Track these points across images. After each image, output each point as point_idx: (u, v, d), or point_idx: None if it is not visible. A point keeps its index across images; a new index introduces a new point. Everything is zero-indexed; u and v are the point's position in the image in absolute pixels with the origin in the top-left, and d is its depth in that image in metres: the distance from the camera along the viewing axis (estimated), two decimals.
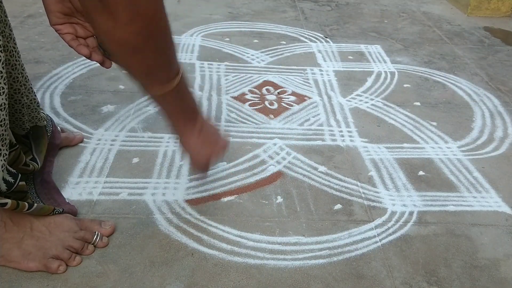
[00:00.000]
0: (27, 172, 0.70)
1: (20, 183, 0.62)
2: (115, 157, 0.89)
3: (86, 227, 0.70)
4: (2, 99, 0.58)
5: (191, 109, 0.64)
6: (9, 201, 0.60)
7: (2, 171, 0.59)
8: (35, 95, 0.76)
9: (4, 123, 0.58)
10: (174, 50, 0.56)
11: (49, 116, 0.86)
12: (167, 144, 0.94)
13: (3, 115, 0.58)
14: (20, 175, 0.63)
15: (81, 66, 1.20)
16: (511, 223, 0.79)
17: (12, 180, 0.61)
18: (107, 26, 0.47)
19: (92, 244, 0.69)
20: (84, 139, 0.93)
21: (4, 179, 0.59)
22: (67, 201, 0.76)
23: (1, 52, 0.57)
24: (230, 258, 0.69)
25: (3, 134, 0.58)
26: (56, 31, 0.70)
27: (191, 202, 0.79)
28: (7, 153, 0.61)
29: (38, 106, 0.77)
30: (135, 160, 0.89)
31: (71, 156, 0.88)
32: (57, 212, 0.68)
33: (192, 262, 0.68)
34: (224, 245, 0.71)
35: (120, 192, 0.80)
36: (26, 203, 0.63)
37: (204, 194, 0.81)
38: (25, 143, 0.75)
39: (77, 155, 0.89)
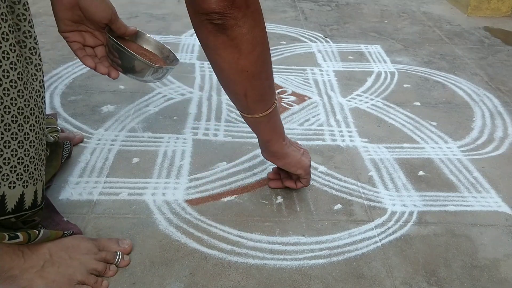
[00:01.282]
0: None
1: (40, 210, 0.60)
2: (115, 157, 0.89)
3: (105, 247, 0.67)
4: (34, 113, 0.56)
5: (281, 124, 0.73)
6: (19, 234, 0.57)
7: (41, 180, 0.58)
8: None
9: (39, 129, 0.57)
10: (273, 76, 0.66)
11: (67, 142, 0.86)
12: (167, 144, 0.94)
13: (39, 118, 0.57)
14: (45, 200, 0.61)
15: (81, 66, 1.20)
16: (511, 223, 0.79)
17: (40, 201, 0.59)
18: (233, 58, 0.58)
19: (114, 264, 0.66)
20: (84, 139, 0.93)
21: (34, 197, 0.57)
22: (68, 200, 0.76)
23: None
24: (230, 258, 0.69)
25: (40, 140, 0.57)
26: (64, 38, 0.70)
27: (191, 202, 0.79)
28: (45, 163, 0.60)
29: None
30: (135, 160, 0.89)
31: (71, 156, 0.88)
32: (66, 235, 0.65)
33: (192, 262, 0.68)
34: (224, 245, 0.71)
35: (120, 192, 0.80)
36: (36, 231, 0.60)
37: (204, 194, 0.81)
38: None
39: (77, 155, 0.89)
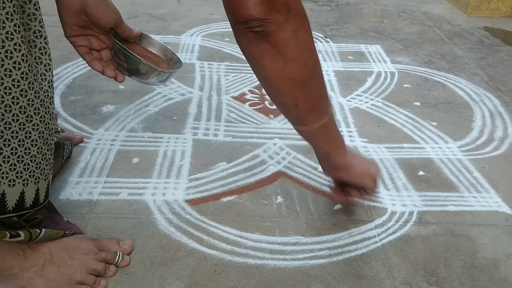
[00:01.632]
0: None
1: (43, 209, 0.60)
2: (115, 157, 0.89)
3: (105, 247, 0.67)
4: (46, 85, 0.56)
5: (340, 134, 0.67)
6: (21, 233, 0.57)
7: (45, 180, 0.58)
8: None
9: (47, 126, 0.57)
10: (324, 81, 0.61)
11: (68, 142, 0.86)
12: (167, 144, 0.94)
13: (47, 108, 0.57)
14: (48, 199, 0.61)
15: (81, 66, 1.20)
16: (511, 223, 0.80)
17: (42, 200, 0.59)
18: (278, 66, 0.53)
19: (114, 264, 0.66)
20: (84, 139, 0.93)
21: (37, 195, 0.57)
22: (68, 200, 0.76)
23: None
24: (230, 258, 0.69)
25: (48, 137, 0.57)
26: (71, 43, 0.71)
27: (191, 202, 0.79)
28: (51, 165, 0.60)
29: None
30: (135, 160, 0.89)
31: (71, 156, 0.88)
32: (67, 235, 0.65)
33: (192, 262, 0.68)
34: (224, 245, 0.71)
35: (120, 192, 0.80)
36: (38, 230, 0.60)
37: (204, 194, 0.81)
38: None
39: (77, 155, 0.89)
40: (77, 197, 0.79)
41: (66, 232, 0.65)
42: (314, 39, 1.60)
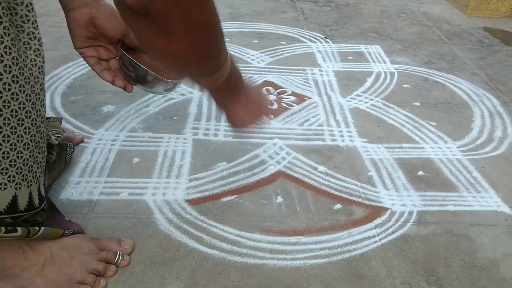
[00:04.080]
0: None
1: (42, 212, 0.60)
2: (115, 157, 0.89)
3: (106, 247, 0.67)
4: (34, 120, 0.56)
5: (239, 84, 0.60)
6: (18, 229, 0.57)
7: (36, 182, 0.57)
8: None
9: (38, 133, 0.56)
10: (223, 35, 0.51)
11: (71, 144, 0.86)
12: (167, 144, 0.94)
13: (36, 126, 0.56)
14: (45, 202, 0.61)
15: (81, 66, 1.20)
16: (511, 223, 0.80)
17: (37, 203, 0.58)
18: (162, 44, 0.45)
19: (114, 264, 0.66)
20: (85, 139, 0.93)
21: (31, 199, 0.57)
22: (68, 200, 0.76)
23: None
24: (230, 258, 0.69)
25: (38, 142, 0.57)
26: (80, 54, 0.71)
27: (191, 202, 0.79)
28: (43, 168, 0.59)
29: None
30: (136, 160, 0.89)
31: (72, 156, 0.88)
32: (66, 235, 0.65)
33: (192, 261, 0.68)
34: (224, 245, 0.71)
35: (120, 192, 0.81)
36: (37, 228, 0.60)
37: (204, 194, 0.82)
38: None
39: (77, 155, 0.89)
40: (77, 197, 0.79)
41: (66, 231, 0.65)
42: (314, 39, 1.59)
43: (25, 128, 0.54)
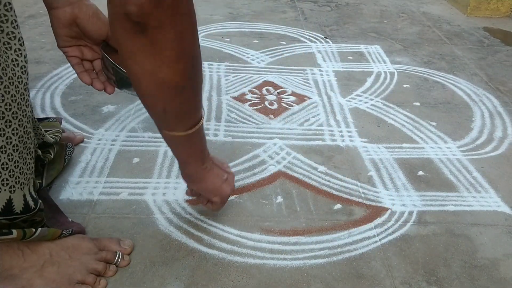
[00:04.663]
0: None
1: (39, 212, 0.60)
2: (115, 157, 0.89)
3: (105, 247, 0.67)
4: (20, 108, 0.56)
5: (205, 149, 0.64)
6: (14, 231, 0.57)
7: (27, 184, 0.57)
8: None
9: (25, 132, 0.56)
10: (202, 91, 0.55)
11: (70, 144, 0.86)
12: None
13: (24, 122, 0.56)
14: (40, 202, 0.60)
15: None
16: (510, 223, 0.80)
17: (33, 205, 0.58)
18: (152, 65, 0.46)
19: (114, 264, 0.66)
20: (85, 139, 0.93)
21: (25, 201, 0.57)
22: (68, 200, 0.76)
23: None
24: (230, 258, 0.69)
25: (26, 143, 0.56)
26: (63, 53, 0.71)
27: (191, 202, 0.80)
28: (32, 169, 0.59)
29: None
30: (136, 160, 0.89)
31: (72, 156, 0.88)
32: (64, 235, 0.65)
33: (192, 261, 0.68)
34: (224, 245, 0.71)
35: (120, 192, 0.81)
36: (33, 229, 0.59)
37: None
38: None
39: (77, 155, 0.89)
40: (77, 197, 0.79)
41: (64, 232, 0.64)
42: (314, 39, 1.60)
43: (13, 129, 0.53)
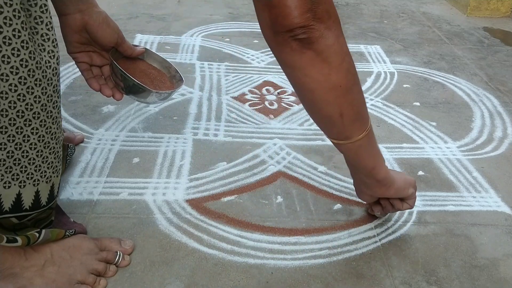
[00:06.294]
0: None
1: (48, 209, 0.60)
2: (115, 157, 0.89)
3: (106, 247, 0.67)
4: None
5: (378, 148, 0.65)
6: (18, 238, 0.58)
7: (47, 182, 0.57)
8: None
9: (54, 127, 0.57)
10: None
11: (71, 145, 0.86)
12: (167, 144, 0.94)
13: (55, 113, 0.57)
14: (55, 201, 0.61)
15: None
16: (511, 223, 0.80)
17: (45, 202, 0.59)
18: (323, 74, 0.52)
19: (114, 264, 0.66)
20: (85, 139, 0.93)
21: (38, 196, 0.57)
22: (68, 200, 0.76)
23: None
24: (230, 258, 0.69)
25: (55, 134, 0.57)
26: (73, 59, 0.72)
27: (191, 202, 0.80)
28: (60, 163, 0.59)
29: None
30: (136, 160, 0.89)
31: (72, 157, 0.88)
32: (67, 236, 0.65)
33: (192, 261, 0.68)
34: (224, 245, 0.71)
35: (120, 192, 0.81)
36: (37, 234, 0.60)
37: (204, 194, 0.82)
38: None
39: (77, 155, 0.89)
40: (77, 197, 0.79)
41: (67, 233, 0.65)
42: None
43: (32, 128, 0.54)
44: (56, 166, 0.59)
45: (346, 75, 0.54)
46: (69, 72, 1.19)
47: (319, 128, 0.62)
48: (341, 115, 0.56)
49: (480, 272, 0.70)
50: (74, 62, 0.74)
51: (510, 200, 0.85)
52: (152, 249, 0.70)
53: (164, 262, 0.68)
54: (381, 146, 0.97)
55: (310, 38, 0.50)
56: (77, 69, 0.75)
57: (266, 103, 1.12)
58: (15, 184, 0.55)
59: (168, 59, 0.80)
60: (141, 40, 1.43)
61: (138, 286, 0.64)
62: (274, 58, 0.55)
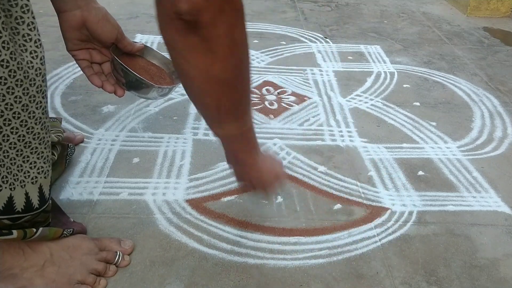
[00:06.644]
0: None
1: (43, 213, 0.60)
2: (115, 157, 0.89)
3: (106, 247, 0.67)
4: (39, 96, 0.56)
5: (256, 138, 0.63)
6: (14, 231, 0.57)
7: (33, 183, 0.57)
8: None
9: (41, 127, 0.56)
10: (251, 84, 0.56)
11: (71, 145, 0.86)
12: (167, 144, 0.94)
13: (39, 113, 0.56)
14: (49, 203, 0.60)
15: None
16: (510, 223, 0.80)
17: (37, 205, 0.58)
18: (204, 63, 0.47)
19: (114, 264, 0.66)
20: (85, 139, 0.93)
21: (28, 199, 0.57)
22: (68, 200, 0.76)
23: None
24: (230, 258, 0.69)
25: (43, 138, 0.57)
26: (72, 56, 0.71)
27: (191, 202, 0.79)
28: (49, 165, 0.59)
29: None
30: (136, 160, 0.89)
31: (72, 157, 0.88)
32: (65, 235, 0.65)
33: (192, 261, 0.68)
34: (224, 245, 0.71)
35: (120, 192, 0.81)
36: (34, 229, 0.59)
37: (204, 194, 0.82)
38: None
39: (77, 155, 0.89)
40: (77, 197, 0.79)
41: (65, 232, 0.64)
42: (314, 39, 1.60)
43: (12, 128, 0.53)
44: (42, 167, 0.58)
45: (233, 70, 0.49)
46: (69, 72, 1.19)
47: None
48: (218, 108, 0.52)
49: (480, 272, 0.70)
50: (74, 62, 0.74)
51: (510, 200, 0.85)
52: (152, 249, 0.70)
53: (164, 262, 0.68)
54: (381, 146, 0.98)
55: (198, 22, 0.43)
56: (77, 69, 0.75)
57: (266, 103, 1.12)
58: (6, 188, 0.55)
59: (167, 57, 0.80)
60: (141, 40, 1.43)
61: (138, 286, 0.64)
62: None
